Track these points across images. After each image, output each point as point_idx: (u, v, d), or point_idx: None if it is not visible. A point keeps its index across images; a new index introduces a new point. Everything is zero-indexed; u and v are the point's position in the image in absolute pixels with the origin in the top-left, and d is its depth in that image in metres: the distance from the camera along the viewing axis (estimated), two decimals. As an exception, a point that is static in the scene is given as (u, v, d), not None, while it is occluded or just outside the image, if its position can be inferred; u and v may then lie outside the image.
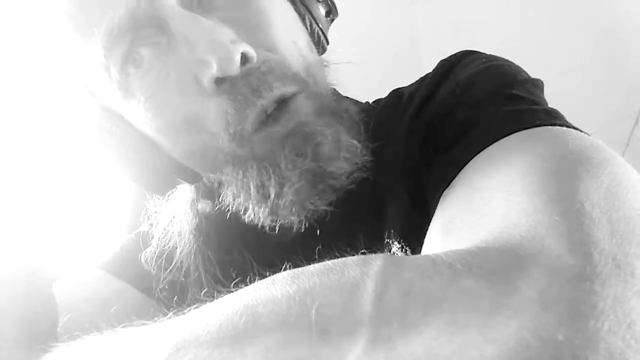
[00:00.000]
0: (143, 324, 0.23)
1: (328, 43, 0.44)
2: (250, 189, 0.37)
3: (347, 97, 0.45)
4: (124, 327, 0.24)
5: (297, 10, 0.40)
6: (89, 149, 0.41)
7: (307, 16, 0.41)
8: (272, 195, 0.36)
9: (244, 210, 0.38)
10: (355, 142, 0.36)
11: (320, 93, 0.38)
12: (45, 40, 0.38)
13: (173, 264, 0.47)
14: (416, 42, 1.28)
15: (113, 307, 0.43)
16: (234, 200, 0.39)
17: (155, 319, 0.23)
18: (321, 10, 0.42)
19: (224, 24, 0.34)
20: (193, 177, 0.44)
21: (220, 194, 0.41)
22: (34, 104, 0.42)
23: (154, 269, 0.47)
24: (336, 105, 0.39)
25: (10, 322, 0.28)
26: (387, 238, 0.33)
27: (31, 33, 0.39)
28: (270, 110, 0.34)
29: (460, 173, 0.32)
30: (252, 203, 0.37)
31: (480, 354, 0.16)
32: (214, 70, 0.32)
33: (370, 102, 0.50)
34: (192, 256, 0.46)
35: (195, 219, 0.47)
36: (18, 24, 0.39)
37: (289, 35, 0.37)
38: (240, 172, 0.37)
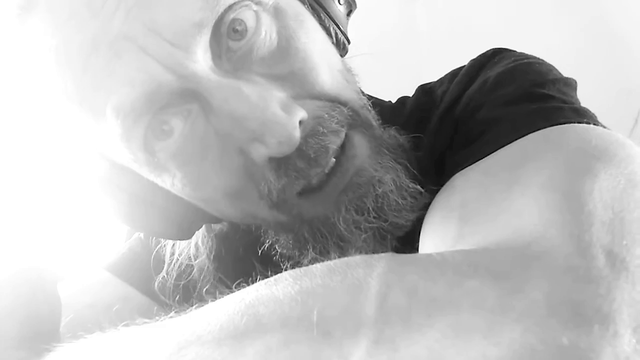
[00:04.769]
0: (145, 323, 0.23)
1: (349, 42, 0.40)
2: (306, 248, 0.34)
3: (375, 101, 0.42)
4: (125, 326, 0.24)
5: (321, 23, 0.37)
6: (97, 203, 0.38)
7: (332, 27, 0.37)
8: (333, 257, 0.33)
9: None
10: (418, 186, 0.34)
11: (371, 122, 0.35)
12: (48, 111, 0.33)
13: (192, 297, 0.44)
14: (416, 41, 1.28)
15: (117, 311, 0.42)
16: (286, 251, 0.36)
17: (157, 318, 0.23)
18: (343, 12, 0.39)
19: (266, 81, 0.30)
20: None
21: (257, 231, 0.38)
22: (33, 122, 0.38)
23: (170, 300, 0.44)
24: (390, 140, 0.35)
25: (15, 321, 0.28)
26: (417, 242, 0.32)
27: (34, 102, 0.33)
28: (328, 169, 0.31)
29: (480, 161, 0.31)
30: (310, 261, 0.34)
31: (484, 356, 0.16)
32: (271, 151, 0.29)
33: (389, 100, 0.48)
34: (213, 288, 0.44)
35: (213, 243, 0.45)
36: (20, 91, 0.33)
37: (332, 67, 0.34)
38: (291, 235, 0.35)
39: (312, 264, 0.34)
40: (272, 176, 0.31)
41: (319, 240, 0.33)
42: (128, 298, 0.46)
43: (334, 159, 0.32)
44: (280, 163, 0.31)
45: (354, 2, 0.41)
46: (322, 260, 0.33)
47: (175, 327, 0.21)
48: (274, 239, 0.36)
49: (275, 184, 0.31)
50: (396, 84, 0.48)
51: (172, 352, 0.20)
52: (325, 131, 0.31)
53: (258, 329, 0.19)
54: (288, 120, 0.29)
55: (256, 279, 0.23)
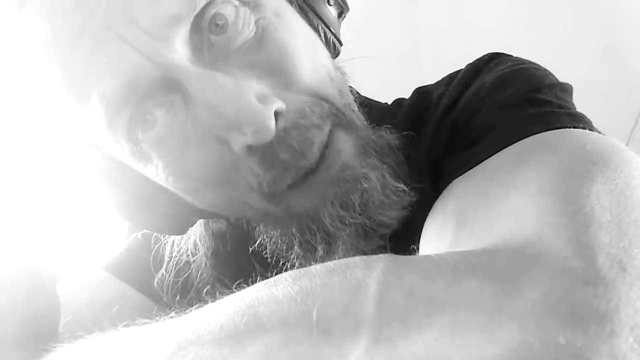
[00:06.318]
0: (145, 323, 0.23)
1: (341, 44, 0.41)
2: (293, 245, 0.34)
3: (369, 102, 0.42)
4: (125, 326, 0.24)
5: (310, 23, 0.37)
6: (91, 195, 0.38)
7: (320, 26, 0.38)
8: (319, 252, 0.34)
9: (290, 265, 0.36)
10: (402, 185, 0.34)
11: (355, 122, 0.35)
12: (41, 100, 0.34)
13: (189, 294, 0.45)
14: (416, 42, 1.28)
15: (115, 310, 0.42)
16: (275, 247, 0.36)
17: (157, 318, 0.23)
18: (333, 13, 0.39)
19: (243, 72, 0.31)
20: (218, 217, 0.42)
21: (250, 227, 0.38)
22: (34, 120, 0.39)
23: (167, 297, 0.45)
24: (377, 139, 0.36)
25: (13, 322, 0.28)
26: (414, 244, 0.33)
27: (26, 90, 0.34)
28: (313, 161, 0.32)
29: (477, 166, 0.32)
30: (297, 257, 0.35)
31: (482, 354, 0.16)
32: (248, 139, 0.30)
33: (384, 102, 0.48)
34: (210, 286, 0.44)
35: (211, 241, 0.45)
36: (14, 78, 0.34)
37: (315, 60, 0.35)
38: (278, 229, 0.35)
39: (300, 259, 0.35)
40: (259, 169, 0.32)
41: (307, 236, 0.34)
42: (126, 296, 0.46)
43: (318, 152, 0.32)
44: (264, 155, 0.31)
45: (346, 4, 0.41)
46: (309, 257, 0.34)
47: (175, 327, 0.22)
48: (264, 234, 0.37)
49: (264, 176, 0.32)
50: (396, 86, 0.48)
51: (172, 352, 0.20)
52: (308, 125, 0.31)
53: (258, 328, 0.19)
54: (263, 109, 0.29)
55: (253, 276, 0.23)
